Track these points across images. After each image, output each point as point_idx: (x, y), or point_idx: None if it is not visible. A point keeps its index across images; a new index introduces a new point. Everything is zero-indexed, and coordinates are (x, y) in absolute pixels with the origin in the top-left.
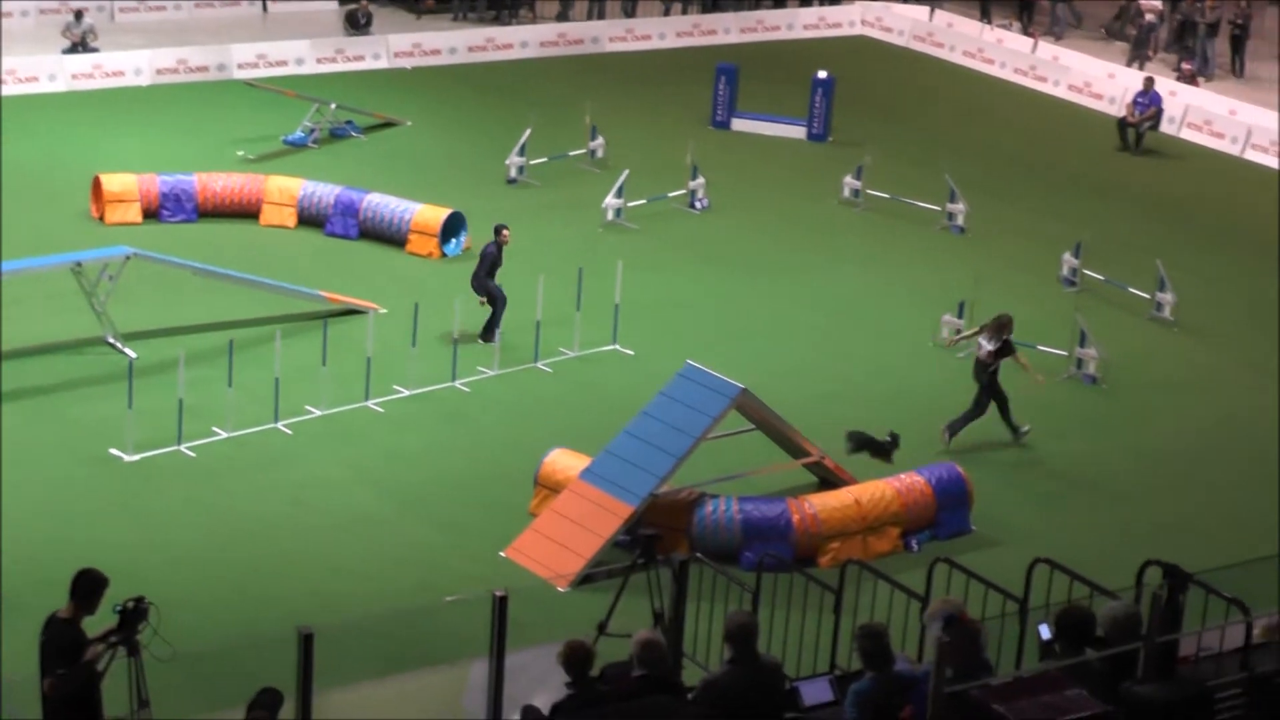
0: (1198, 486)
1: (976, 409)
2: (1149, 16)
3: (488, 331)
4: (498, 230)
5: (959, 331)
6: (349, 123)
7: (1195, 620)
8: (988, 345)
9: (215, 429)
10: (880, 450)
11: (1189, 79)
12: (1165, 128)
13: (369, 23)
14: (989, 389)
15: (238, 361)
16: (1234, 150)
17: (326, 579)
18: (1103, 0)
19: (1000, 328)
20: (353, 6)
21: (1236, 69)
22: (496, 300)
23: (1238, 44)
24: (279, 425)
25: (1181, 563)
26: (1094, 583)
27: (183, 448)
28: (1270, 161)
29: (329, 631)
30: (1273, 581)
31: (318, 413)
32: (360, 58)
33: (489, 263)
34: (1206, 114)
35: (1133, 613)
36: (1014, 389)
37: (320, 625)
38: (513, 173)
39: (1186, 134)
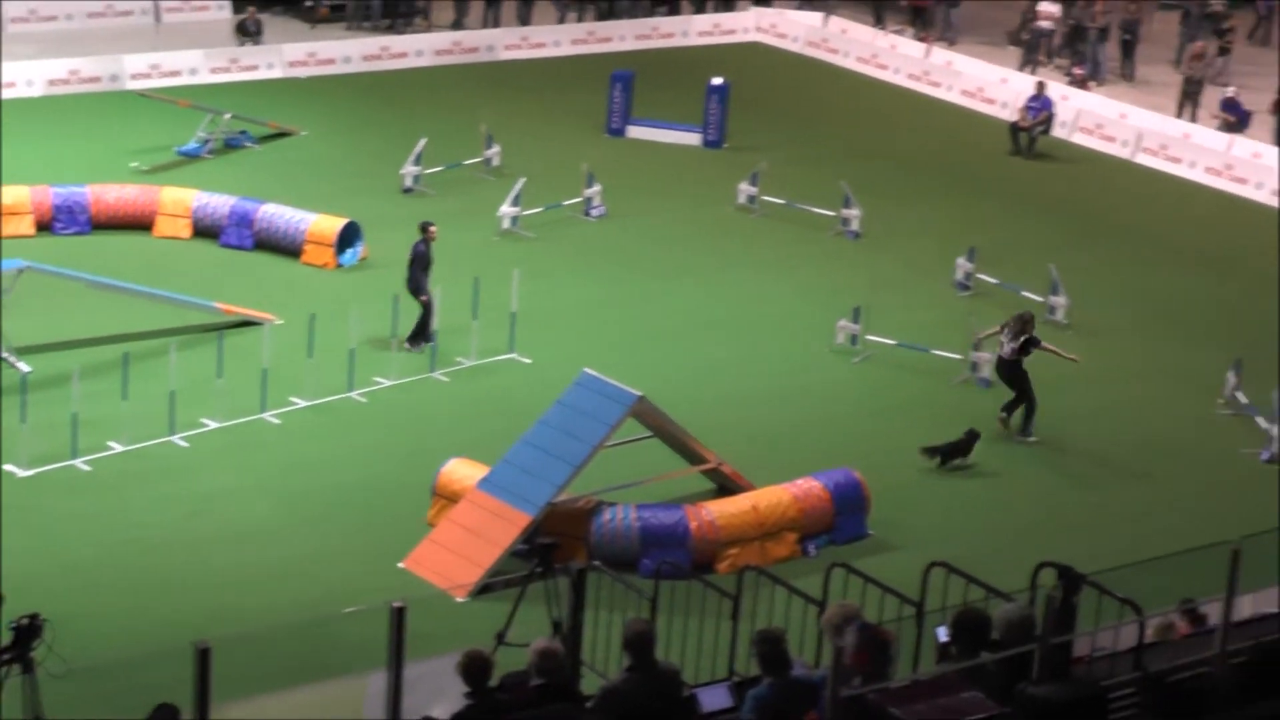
0: (1091, 486)
1: (1028, 400)
2: (1045, 23)
3: (415, 338)
4: (424, 227)
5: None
6: (243, 133)
7: (1089, 620)
8: (1009, 344)
9: (110, 443)
10: (961, 451)
11: (1080, 83)
12: (1057, 132)
13: (259, 31)
14: (1021, 381)
15: (133, 374)
16: (1125, 153)
17: (223, 591)
18: (997, 7)
19: (1023, 325)
20: (242, 16)
21: (1127, 73)
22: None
23: (1127, 48)
24: (175, 438)
25: (1075, 563)
26: (989, 585)
27: (78, 462)
28: (1160, 165)
29: (226, 644)
30: (1166, 580)
31: (214, 425)
32: (254, 67)
33: (422, 261)
34: (1098, 118)
35: (1027, 614)
36: (929, 391)
37: (217, 638)
38: (408, 181)
39: (1078, 138)
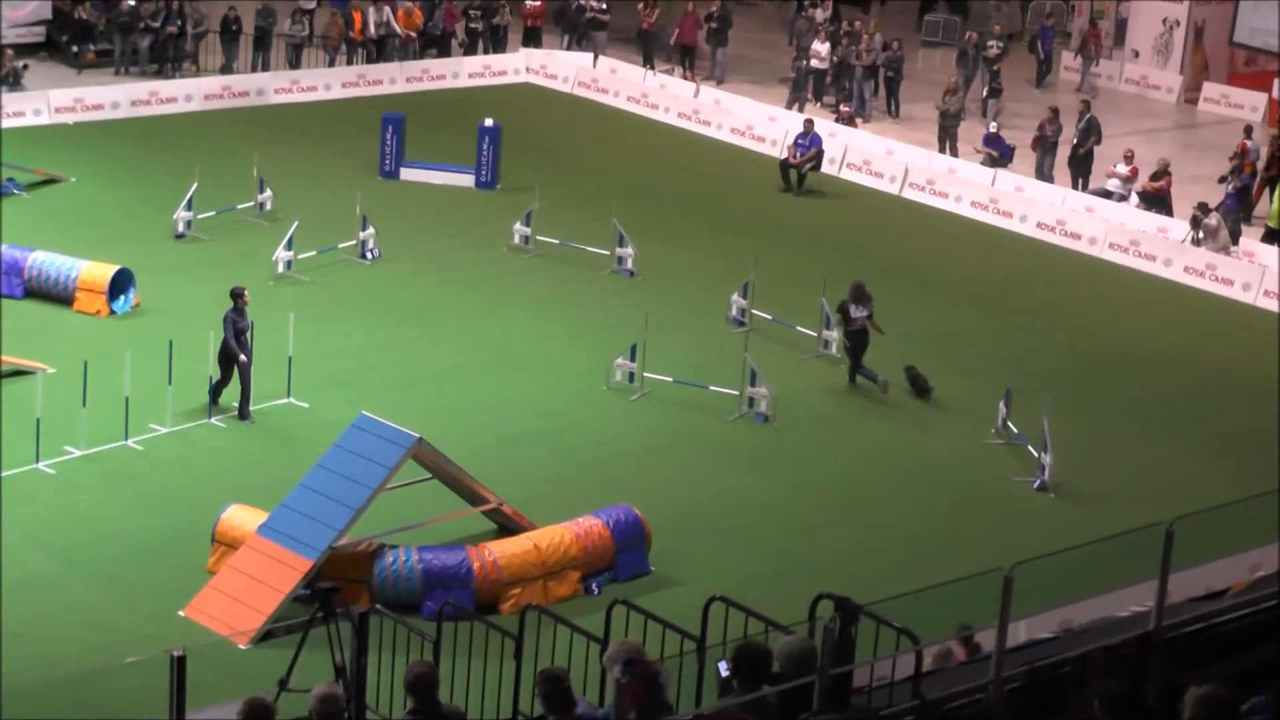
0: (867, 515)
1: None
2: (815, 63)
3: (244, 407)
4: (236, 295)
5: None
6: (11, 180)
7: (867, 651)
8: (860, 313)
9: None
10: (921, 386)
11: (848, 120)
12: (826, 168)
13: (17, 79)
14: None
15: None
16: (893, 189)
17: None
18: (763, 46)
19: (865, 293)
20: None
21: (892, 110)
22: (238, 369)
23: (892, 86)
24: None
25: (855, 594)
26: (768, 619)
27: None
28: (928, 199)
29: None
30: (942, 608)
31: None
32: (20, 114)
33: (231, 328)
34: (865, 154)
35: (807, 646)
36: (707, 426)
37: None
38: (180, 227)
39: (847, 174)
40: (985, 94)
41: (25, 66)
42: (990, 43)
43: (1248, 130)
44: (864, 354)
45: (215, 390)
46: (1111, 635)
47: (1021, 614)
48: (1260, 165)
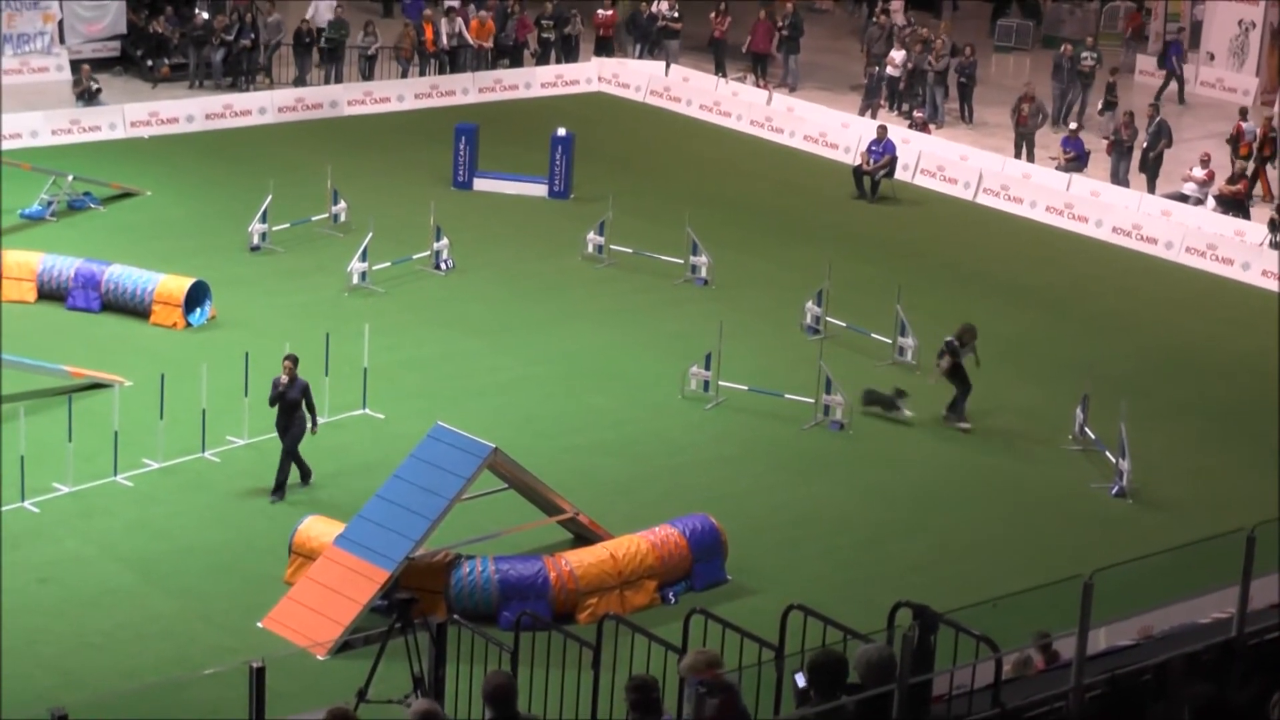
0: (945, 524)
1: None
2: (891, 70)
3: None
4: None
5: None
6: (87, 194)
7: (946, 659)
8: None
9: None
10: (888, 404)
11: (921, 126)
12: (900, 174)
13: (98, 92)
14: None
15: None
16: (966, 195)
17: (76, 655)
18: (836, 53)
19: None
20: (78, 77)
21: (965, 116)
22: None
23: (965, 91)
24: (25, 504)
25: (931, 603)
26: (846, 627)
27: None
28: (1002, 205)
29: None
30: (1021, 616)
31: (65, 489)
32: (96, 128)
33: (274, 391)
34: (939, 160)
35: (886, 655)
36: (782, 435)
37: (72, 703)
38: (255, 239)
39: (921, 180)
40: (1100, 108)
41: (99, 90)
42: (1085, 55)
43: None
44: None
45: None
46: (1193, 642)
47: (1101, 621)
48: None
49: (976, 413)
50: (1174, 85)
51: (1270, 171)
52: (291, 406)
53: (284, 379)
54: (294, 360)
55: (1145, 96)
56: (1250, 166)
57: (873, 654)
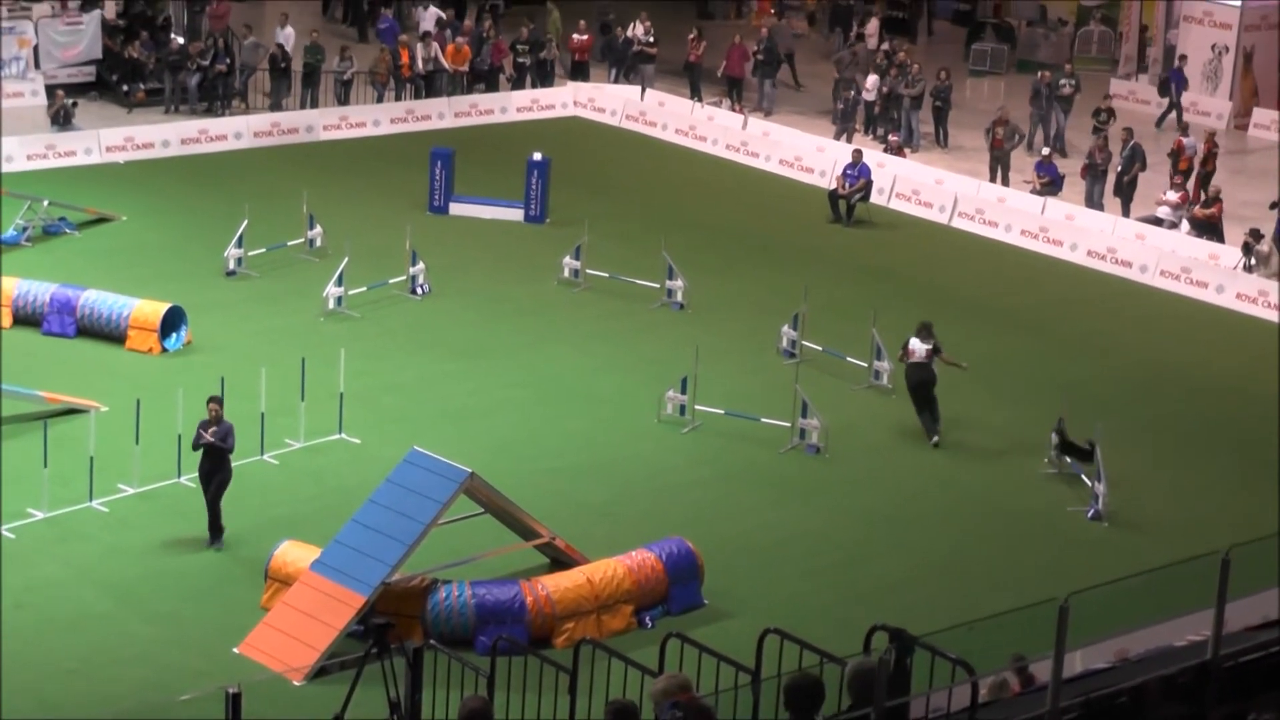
0: (920, 546)
1: (934, 405)
2: (867, 95)
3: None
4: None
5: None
6: (62, 219)
7: (923, 682)
8: (924, 346)
9: None
10: (1081, 454)
11: (896, 150)
12: (875, 198)
13: (68, 118)
14: (932, 385)
15: None
16: (942, 219)
17: (52, 681)
18: (810, 78)
19: (930, 331)
20: (52, 103)
21: (940, 140)
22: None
23: (940, 115)
24: (0, 529)
25: (907, 625)
26: (823, 650)
27: None
28: (977, 228)
29: None
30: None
31: (40, 515)
32: (71, 153)
33: (197, 438)
34: (914, 184)
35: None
36: (759, 458)
37: None
38: (231, 264)
39: (896, 204)
40: (1092, 131)
41: (75, 105)
42: (1063, 81)
43: None
44: (926, 394)
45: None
46: (1169, 665)
47: (1077, 644)
48: None
49: (953, 435)
50: (1173, 114)
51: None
52: (218, 451)
53: (205, 431)
54: (219, 402)
55: (1125, 121)
56: (1191, 181)
57: (863, 665)
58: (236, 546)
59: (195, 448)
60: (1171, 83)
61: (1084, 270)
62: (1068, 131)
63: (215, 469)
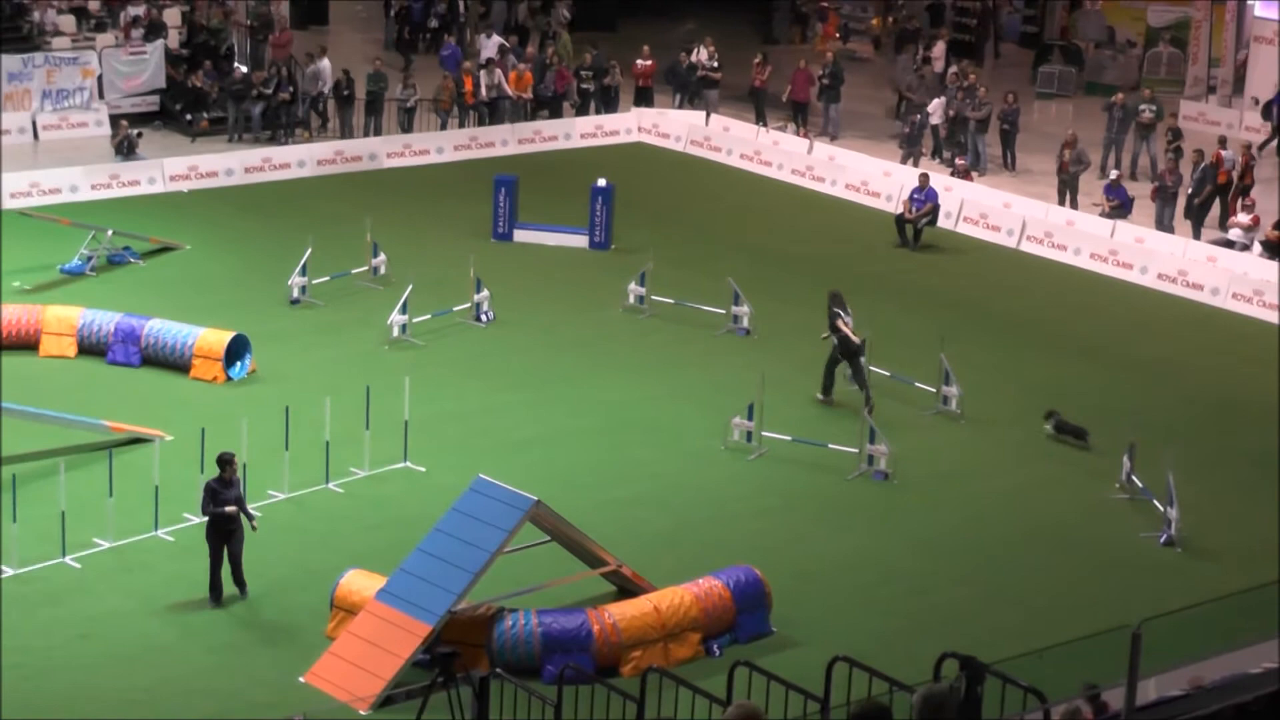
0: (990, 573)
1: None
2: (933, 118)
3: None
4: (223, 463)
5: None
6: (126, 249)
7: (994, 710)
8: (846, 316)
9: (1, 566)
10: (1078, 434)
11: (963, 174)
12: (943, 222)
13: (132, 148)
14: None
15: (21, 497)
16: (1010, 242)
17: (119, 713)
18: (876, 102)
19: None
20: (116, 133)
21: (1008, 163)
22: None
23: (1008, 138)
24: (66, 560)
25: (977, 653)
26: (892, 678)
27: None
28: (1046, 252)
29: None
30: (1068, 667)
31: (106, 544)
32: (135, 182)
33: (210, 499)
34: (982, 208)
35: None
36: (826, 485)
37: None
38: (295, 293)
39: (963, 228)
40: (1167, 153)
41: (140, 135)
42: (1143, 106)
43: None
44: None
45: (215, 577)
46: (1244, 692)
47: (1150, 672)
48: None
49: (1022, 462)
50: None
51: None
52: (231, 513)
53: (220, 486)
54: (233, 459)
55: (1194, 143)
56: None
57: (933, 690)
58: (301, 576)
59: (215, 513)
60: (1274, 105)
61: (1154, 293)
62: (1141, 156)
63: (237, 527)
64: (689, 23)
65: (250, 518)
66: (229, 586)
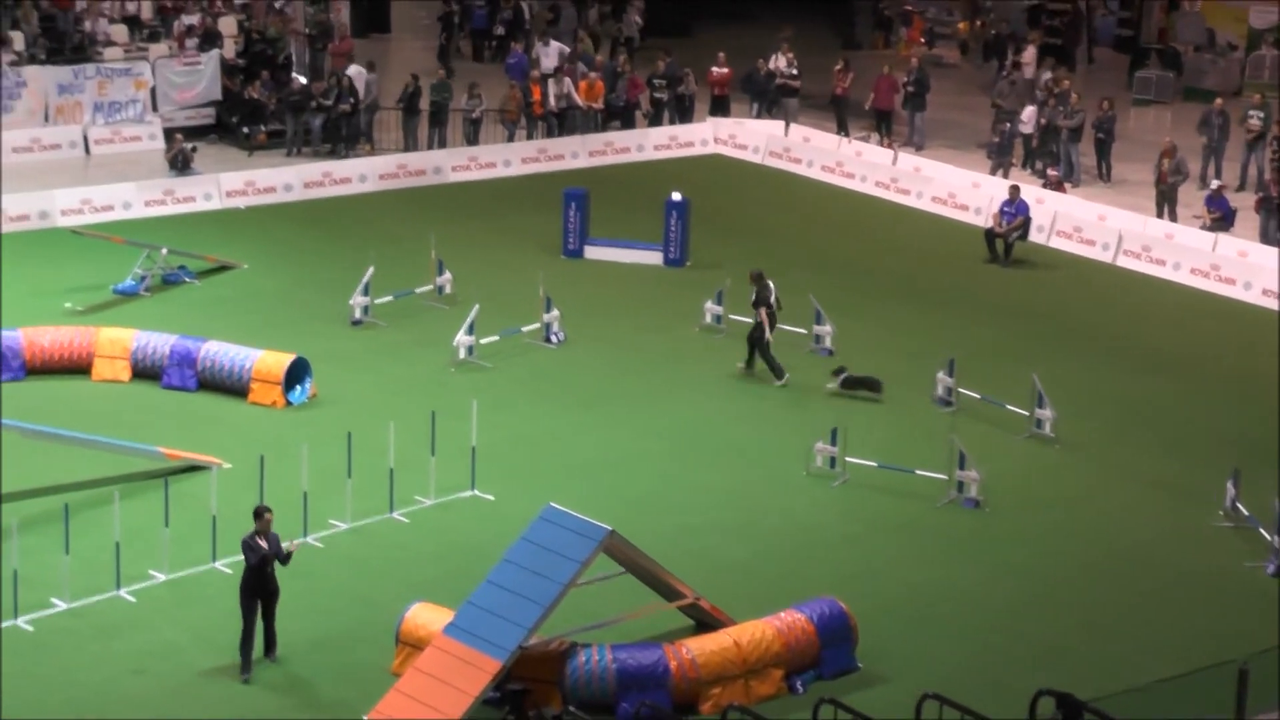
0: (1086, 605)
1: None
2: (1025, 127)
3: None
4: (257, 515)
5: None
6: (181, 268)
7: None
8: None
9: (53, 599)
10: (871, 385)
11: (1055, 185)
12: (1034, 236)
13: (187, 163)
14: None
15: (74, 527)
16: (1105, 257)
17: None
18: (963, 110)
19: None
20: (170, 147)
21: (1103, 173)
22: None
23: (1103, 148)
24: (121, 592)
25: (1073, 689)
26: (984, 716)
27: (19, 621)
28: (1144, 267)
29: None
30: (1171, 704)
31: (161, 577)
32: (190, 199)
33: (253, 556)
34: (1075, 221)
35: None
36: (913, 513)
37: None
38: (357, 313)
39: (1056, 242)
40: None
41: (194, 149)
42: (1251, 113)
43: None
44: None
45: (247, 641)
46: None
47: (1260, 709)
48: None
49: (1119, 488)
50: None
51: None
52: (272, 564)
53: (259, 539)
54: (266, 512)
55: None
56: None
57: None
58: (364, 610)
59: (260, 565)
60: None
61: (1258, 310)
62: (1250, 166)
63: (272, 580)
64: (787, 30)
65: (284, 558)
66: (257, 650)
